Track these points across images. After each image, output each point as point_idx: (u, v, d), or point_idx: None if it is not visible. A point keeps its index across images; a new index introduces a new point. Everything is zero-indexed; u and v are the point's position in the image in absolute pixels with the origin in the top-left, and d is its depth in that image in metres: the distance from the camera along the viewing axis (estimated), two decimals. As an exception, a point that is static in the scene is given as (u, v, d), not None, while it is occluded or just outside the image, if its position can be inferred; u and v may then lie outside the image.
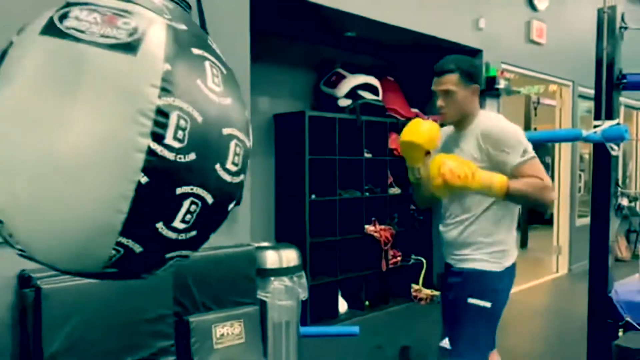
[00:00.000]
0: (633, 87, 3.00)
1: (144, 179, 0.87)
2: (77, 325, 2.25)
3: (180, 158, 0.89)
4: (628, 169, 9.11)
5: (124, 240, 0.91)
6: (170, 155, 0.88)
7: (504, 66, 5.36)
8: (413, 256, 5.31)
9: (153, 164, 0.87)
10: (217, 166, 0.96)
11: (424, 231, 5.35)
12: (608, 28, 2.91)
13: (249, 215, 3.42)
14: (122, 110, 0.86)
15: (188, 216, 0.94)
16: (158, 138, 0.87)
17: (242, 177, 1.04)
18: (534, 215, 9.31)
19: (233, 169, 0.99)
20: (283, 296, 3.45)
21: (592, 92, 3.09)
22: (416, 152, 2.06)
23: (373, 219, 4.93)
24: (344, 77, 4.73)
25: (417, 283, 5.31)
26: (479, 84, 2.14)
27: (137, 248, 0.93)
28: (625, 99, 7.47)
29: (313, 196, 4.42)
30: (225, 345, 2.81)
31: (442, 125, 2.17)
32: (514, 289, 6.45)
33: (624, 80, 2.93)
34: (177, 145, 0.88)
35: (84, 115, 0.87)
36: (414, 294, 5.24)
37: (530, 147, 2.03)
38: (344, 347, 3.99)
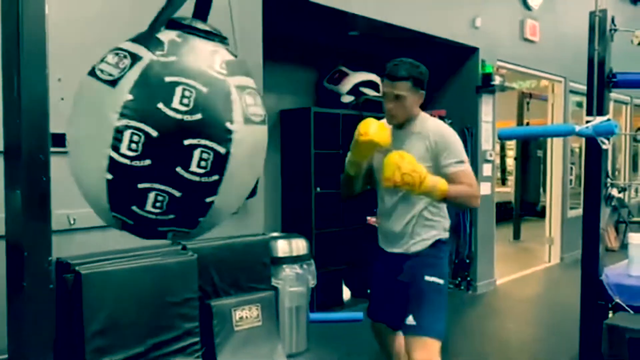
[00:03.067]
0: (622, 86, 3.21)
1: (109, 176, 1.20)
2: (113, 307, 2.43)
3: (135, 163, 1.17)
4: (617, 162, 9.37)
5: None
6: (125, 161, 1.17)
7: (499, 63, 5.56)
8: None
9: (114, 167, 1.19)
10: (179, 169, 1.18)
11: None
12: (599, 30, 3.11)
13: (263, 207, 3.60)
14: (98, 128, 1.21)
15: (158, 204, 1.21)
16: (116, 149, 1.18)
17: (215, 177, 1.22)
18: (526, 207, 9.55)
19: (199, 171, 1.20)
20: (294, 283, 3.65)
21: (582, 87, 3.28)
22: (370, 151, 2.24)
23: (375, 210, 5.12)
24: (346, 74, 4.92)
25: (417, 272, 5.51)
26: (425, 90, 2.35)
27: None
28: (615, 94, 7.70)
29: (318, 189, 4.61)
30: (244, 328, 3.00)
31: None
32: (508, 278, 6.69)
33: (614, 79, 3.13)
34: (131, 154, 1.17)
35: (85, 127, 1.26)
36: (413, 282, 5.44)
37: (466, 156, 2.29)
38: (350, 332, 4.19)
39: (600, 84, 3.12)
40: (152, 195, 1.20)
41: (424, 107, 5.83)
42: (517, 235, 8.88)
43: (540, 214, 8.21)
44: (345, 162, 2.39)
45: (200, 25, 1.33)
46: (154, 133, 1.16)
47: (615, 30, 3.15)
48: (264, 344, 3.07)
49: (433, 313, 2.28)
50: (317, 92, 5.15)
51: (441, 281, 2.31)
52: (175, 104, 1.17)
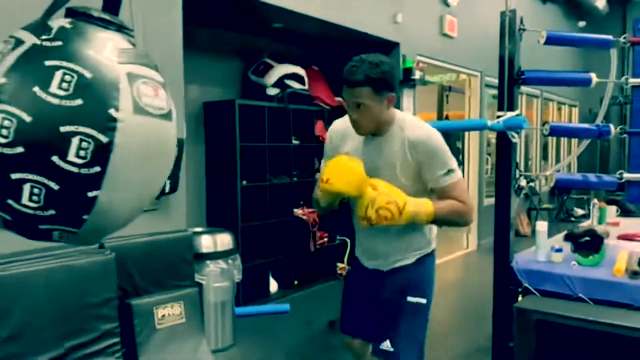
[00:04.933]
0: (530, 82, 3.40)
1: None
2: (23, 312, 2.31)
3: (7, 151, 1.09)
4: (530, 152, 9.95)
5: None
6: None
7: (419, 58, 5.73)
8: (338, 237, 5.62)
9: None
10: (55, 158, 1.10)
11: (348, 213, 5.66)
12: (509, 29, 3.28)
13: (185, 202, 3.53)
14: None
15: (34, 197, 1.13)
16: None
17: (97, 168, 1.14)
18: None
19: (78, 161, 1.12)
20: (219, 278, 3.62)
21: (497, 81, 3.45)
22: (337, 199, 1.98)
23: (301, 202, 5.17)
24: (271, 66, 4.90)
25: (342, 262, 5.62)
26: (395, 91, 1.96)
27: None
28: (527, 88, 8.16)
29: (244, 182, 4.58)
30: (167, 325, 2.95)
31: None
32: None
33: (523, 76, 3.31)
34: (2, 141, 1.09)
35: None
36: (339, 272, 5.55)
37: (455, 163, 1.98)
38: (276, 324, 4.22)
39: (510, 80, 3.29)
40: (27, 187, 1.11)
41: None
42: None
43: (460, 203, 8.56)
44: (313, 194, 2.08)
45: (95, 12, 1.26)
46: (28, 118, 1.09)
47: (524, 30, 3.33)
48: (188, 341, 3.04)
49: (412, 338, 2.07)
50: (242, 84, 5.10)
51: (424, 301, 2.10)
52: (54, 88, 1.10)
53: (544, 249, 3.28)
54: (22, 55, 1.14)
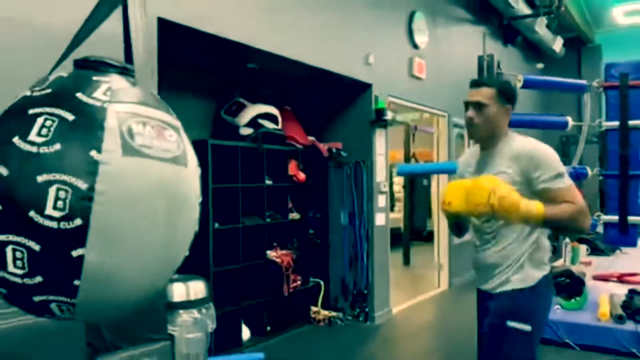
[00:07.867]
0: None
1: None
2: (-18, 376, 2.10)
3: None
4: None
5: None
6: None
7: (390, 99, 5.76)
8: (312, 279, 5.48)
9: None
10: (32, 213, 0.98)
11: (322, 254, 5.55)
12: (487, 73, 3.32)
13: (157, 248, 3.35)
14: None
15: (18, 262, 1.01)
16: None
17: (77, 221, 1.00)
18: (414, 233, 9.97)
19: (56, 214, 0.99)
20: (192, 329, 3.42)
21: (462, 121, 3.47)
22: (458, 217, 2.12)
23: (274, 244, 5.03)
24: (244, 106, 4.82)
25: (316, 305, 5.47)
26: (513, 107, 2.10)
27: None
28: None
29: (216, 224, 4.43)
30: (138, 384, 2.74)
31: (470, 139, 2.19)
32: (403, 306, 6.71)
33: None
34: None
35: None
36: (313, 315, 5.39)
37: (565, 170, 1.98)
38: (250, 375, 4.01)
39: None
40: (9, 251, 0.99)
41: (319, 138, 5.85)
42: (407, 261, 9.18)
43: (426, 239, 8.57)
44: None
45: (93, 58, 1.18)
46: (5, 172, 0.99)
47: (501, 73, 3.37)
48: (161, 399, 2.83)
49: None
50: (214, 123, 4.99)
51: (527, 328, 1.99)
52: (33, 135, 1.01)
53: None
54: (8, 108, 1.06)
